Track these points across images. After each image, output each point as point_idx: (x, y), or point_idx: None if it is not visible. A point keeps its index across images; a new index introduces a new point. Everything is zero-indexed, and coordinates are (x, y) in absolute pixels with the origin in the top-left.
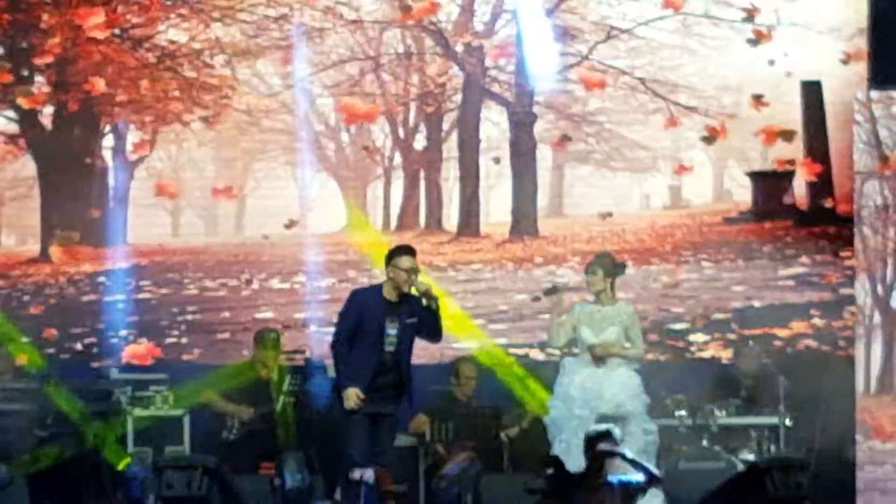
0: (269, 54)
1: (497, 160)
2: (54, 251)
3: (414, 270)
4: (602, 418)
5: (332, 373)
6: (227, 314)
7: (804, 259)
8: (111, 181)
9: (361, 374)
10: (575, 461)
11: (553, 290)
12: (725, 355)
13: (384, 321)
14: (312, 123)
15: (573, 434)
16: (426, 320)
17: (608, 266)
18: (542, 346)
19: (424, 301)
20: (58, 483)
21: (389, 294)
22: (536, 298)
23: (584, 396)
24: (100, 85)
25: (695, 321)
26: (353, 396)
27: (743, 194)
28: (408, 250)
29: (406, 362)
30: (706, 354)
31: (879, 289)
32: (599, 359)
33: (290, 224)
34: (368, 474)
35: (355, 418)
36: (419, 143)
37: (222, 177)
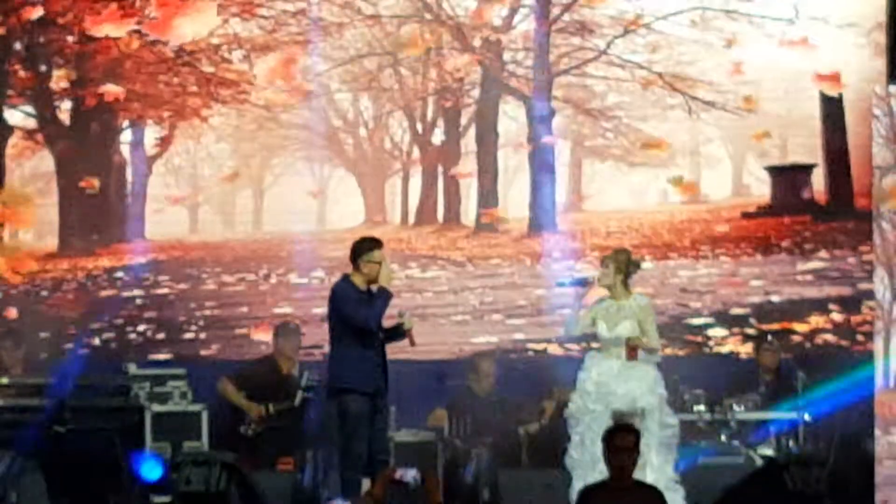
0: (287, 49)
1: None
2: None
3: (383, 262)
4: (616, 414)
5: None
6: (245, 309)
7: (823, 254)
8: (129, 176)
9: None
10: (588, 455)
11: (581, 281)
12: (744, 350)
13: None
14: (330, 119)
15: (587, 428)
16: (390, 334)
17: (621, 262)
18: (561, 341)
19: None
20: (76, 479)
21: (363, 284)
22: (561, 284)
23: (599, 391)
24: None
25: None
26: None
27: (762, 189)
28: (377, 243)
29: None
30: (725, 349)
31: None
32: (632, 349)
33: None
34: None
35: (360, 416)
36: (437, 138)
37: (240, 172)
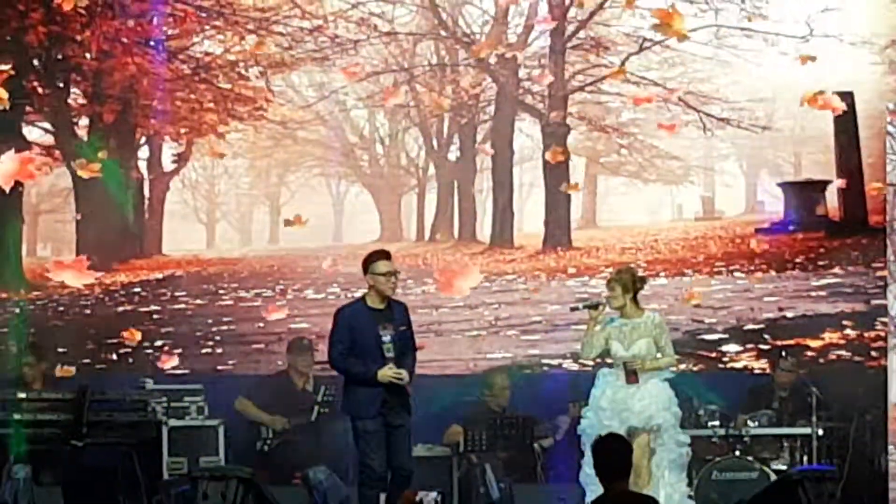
0: (303, 66)
1: None
2: None
3: (392, 273)
4: (632, 431)
5: None
6: (261, 325)
7: (836, 270)
8: (146, 192)
9: (371, 385)
10: None
11: (593, 304)
12: (758, 366)
13: (377, 329)
14: (346, 135)
15: None
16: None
17: (627, 282)
18: (576, 356)
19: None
20: (93, 494)
21: (375, 302)
22: (575, 308)
23: (614, 408)
24: None
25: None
26: (388, 373)
27: (775, 205)
28: (383, 254)
29: (408, 369)
30: (739, 365)
31: None
32: (632, 373)
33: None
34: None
35: (370, 431)
36: (453, 154)
37: (257, 188)
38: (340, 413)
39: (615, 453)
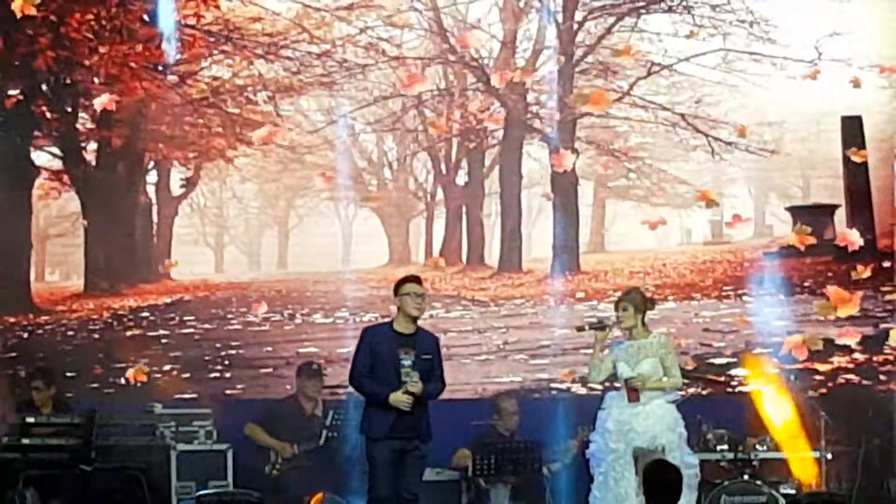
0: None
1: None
2: None
3: (417, 294)
4: (637, 452)
5: None
6: (270, 349)
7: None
8: (155, 217)
9: (384, 408)
10: (612, 494)
11: (600, 325)
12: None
13: (398, 353)
14: (355, 159)
15: (610, 468)
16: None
17: (637, 302)
18: (584, 380)
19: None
20: None
21: (401, 327)
22: (581, 328)
23: (620, 430)
24: None
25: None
26: (401, 397)
27: (784, 229)
28: (412, 278)
29: (425, 395)
30: (747, 389)
31: None
32: (633, 390)
33: None
34: None
35: (381, 453)
36: (461, 178)
37: (265, 212)
38: (349, 437)
39: (665, 479)
